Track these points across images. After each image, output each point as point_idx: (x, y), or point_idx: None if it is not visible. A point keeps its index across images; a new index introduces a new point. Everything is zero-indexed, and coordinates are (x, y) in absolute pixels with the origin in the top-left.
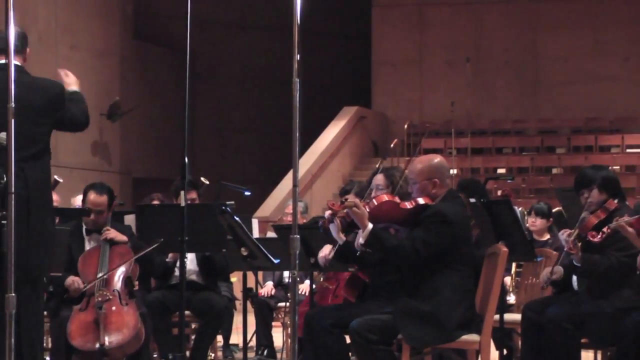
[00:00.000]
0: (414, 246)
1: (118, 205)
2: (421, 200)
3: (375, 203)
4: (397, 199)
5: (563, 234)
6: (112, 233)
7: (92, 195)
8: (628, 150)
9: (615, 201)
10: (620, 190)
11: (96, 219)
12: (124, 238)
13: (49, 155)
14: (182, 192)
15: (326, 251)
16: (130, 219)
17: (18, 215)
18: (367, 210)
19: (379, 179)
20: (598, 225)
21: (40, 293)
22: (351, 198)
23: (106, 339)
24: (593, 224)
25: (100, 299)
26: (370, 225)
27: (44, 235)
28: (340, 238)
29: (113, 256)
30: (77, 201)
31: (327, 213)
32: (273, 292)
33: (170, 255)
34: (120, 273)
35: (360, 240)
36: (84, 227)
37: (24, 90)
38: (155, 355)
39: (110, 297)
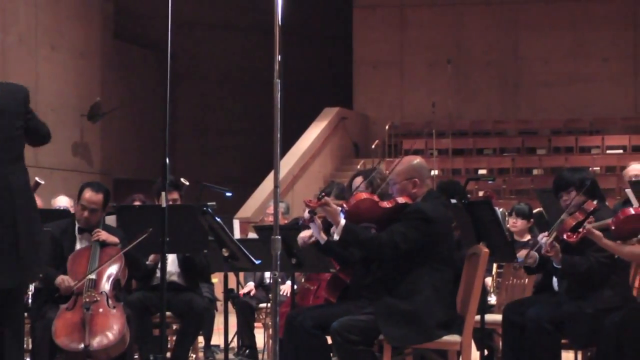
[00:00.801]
0: (392, 239)
1: (111, 207)
2: (401, 200)
3: (354, 201)
4: (376, 198)
5: (542, 238)
6: (104, 235)
7: (88, 193)
8: (608, 151)
9: (595, 202)
10: (599, 192)
11: (89, 217)
12: (115, 240)
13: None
14: (163, 193)
15: (307, 233)
16: (111, 220)
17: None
18: (346, 208)
19: (358, 181)
20: (576, 226)
21: (22, 299)
22: (331, 199)
23: (91, 340)
24: (571, 226)
25: (88, 299)
26: (342, 221)
27: (32, 244)
28: (322, 238)
29: (103, 257)
30: (58, 202)
31: (306, 213)
32: (253, 292)
33: (150, 257)
34: (109, 275)
35: (335, 236)
36: (77, 226)
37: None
38: (136, 357)
39: (98, 298)
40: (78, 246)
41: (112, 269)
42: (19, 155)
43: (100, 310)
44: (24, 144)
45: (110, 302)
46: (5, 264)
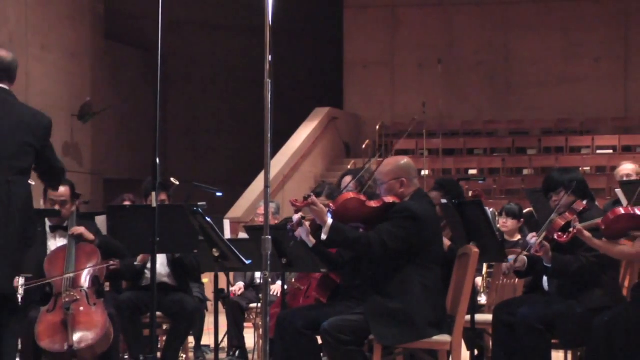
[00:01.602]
0: (380, 237)
1: (83, 203)
2: (388, 199)
3: (341, 200)
4: (363, 197)
5: (531, 238)
6: (81, 230)
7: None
8: (598, 152)
9: (584, 202)
10: (588, 192)
11: (61, 210)
12: (91, 236)
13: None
14: (153, 193)
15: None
16: (101, 220)
17: None
18: (333, 207)
19: (348, 180)
20: (565, 226)
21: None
22: (322, 200)
23: (75, 339)
24: (560, 226)
25: (67, 299)
26: (330, 221)
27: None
28: (310, 241)
29: (80, 255)
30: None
31: (296, 217)
32: (241, 290)
33: (139, 258)
34: (87, 272)
35: (323, 236)
36: (48, 225)
37: (23, 109)
38: (126, 357)
39: (78, 297)
40: (51, 244)
41: (90, 265)
42: (26, 169)
43: (81, 308)
44: (32, 162)
45: (90, 299)
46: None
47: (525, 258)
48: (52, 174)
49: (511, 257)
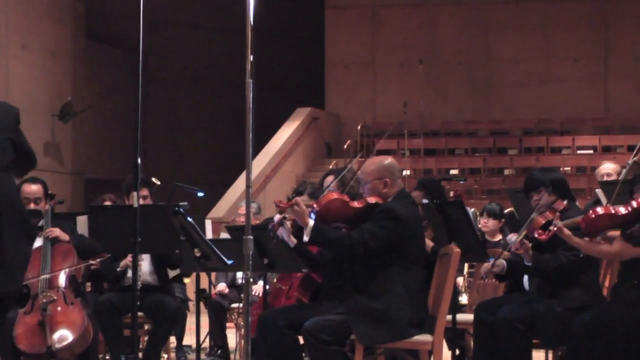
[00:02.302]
0: (362, 237)
1: (58, 203)
2: (371, 200)
3: (324, 201)
4: (346, 198)
5: (511, 237)
6: (57, 232)
7: (26, 188)
8: (579, 152)
9: (564, 202)
10: (569, 192)
11: (36, 207)
12: (65, 237)
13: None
14: (133, 192)
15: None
16: (82, 220)
17: None
18: (317, 208)
19: (330, 180)
20: (545, 225)
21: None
22: (304, 199)
23: (53, 340)
24: (541, 224)
25: (44, 300)
26: (311, 222)
27: (18, 255)
28: (291, 242)
29: (55, 255)
30: None
31: (277, 217)
32: (226, 290)
33: (122, 263)
34: (63, 271)
35: (305, 237)
36: None
37: None
38: (107, 358)
39: (55, 297)
40: None
41: (66, 265)
42: (7, 166)
43: (59, 308)
44: (12, 157)
45: (67, 298)
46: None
47: (504, 262)
48: (26, 158)
49: (492, 258)
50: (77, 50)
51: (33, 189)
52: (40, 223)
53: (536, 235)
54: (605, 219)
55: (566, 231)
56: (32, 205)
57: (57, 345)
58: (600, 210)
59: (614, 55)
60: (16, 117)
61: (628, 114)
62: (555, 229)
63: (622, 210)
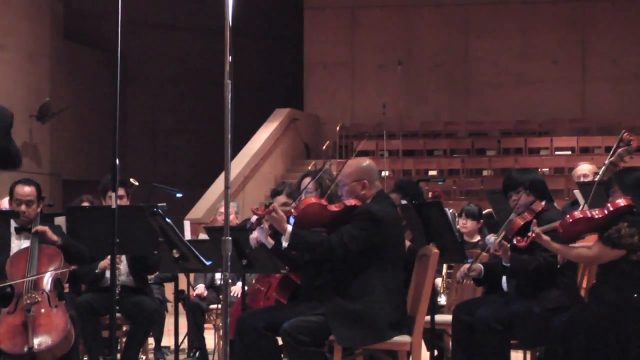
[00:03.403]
0: (341, 239)
1: (47, 206)
2: (349, 202)
3: (302, 206)
4: (324, 202)
5: (490, 238)
6: (45, 227)
7: (19, 188)
8: (557, 153)
9: (543, 203)
10: (547, 192)
11: (27, 210)
12: (54, 237)
13: None
14: (111, 192)
15: (257, 234)
16: (60, 221)
17: None
18: (295, 213)
19: (307, 182)
20: (524, 226)
21: None
22: (282, 199)
23: (35, 341)
24: (519, 225)
25: (28, 301)
26: (289, 227)
27: None
28: (269, 242)
29: (42, 257)
30: (4, 204)
31: (253, 217)
32: (205, 293)
33: (100, 265)
34: (49, 274)
35: (284, 243)
36: (13, 226)
37: None
38: (85, 358)
39: (39, 299)
40: (14, 245)
41: (52, 268)
42: None
43: (42, 310)
44: None
45: (51, 301)
46: None
47: (481, 266)
48: (11, 156)
49: (470, 259)
50: (55, 51)
51: (26, 190)
52: (30, 225)
53: (515, 242)
54: (582, 222)
55: (544, 237)
56: (23, 207)
57: (39, 348)
58: (577, 214)
59: (592, 57)
60: (11, 122)
61: (605, 115)
62: (533, 235)
63: (599, 213)
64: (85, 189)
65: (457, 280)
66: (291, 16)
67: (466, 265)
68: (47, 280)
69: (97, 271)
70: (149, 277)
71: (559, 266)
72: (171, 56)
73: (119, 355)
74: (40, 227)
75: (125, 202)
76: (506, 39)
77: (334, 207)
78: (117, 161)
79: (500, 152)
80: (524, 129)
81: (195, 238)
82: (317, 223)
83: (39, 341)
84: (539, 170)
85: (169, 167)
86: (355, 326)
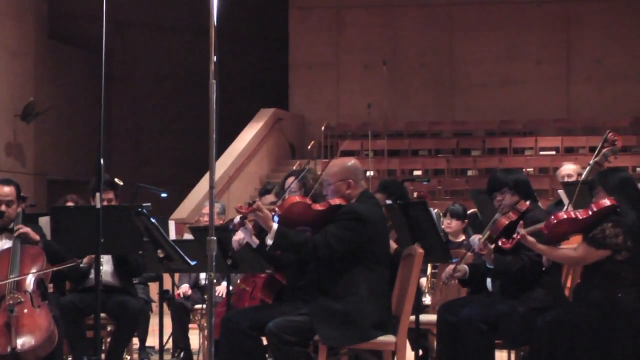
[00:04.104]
0: (326, 240)
1: (29, 206)
2: (334, 201)
3: (286, 205)
4: (308, 201)
5: (474, 238)
6: (26, 228)
7: None
8: (541, 153)
9: (527, 202)
10: (532, 192)
11: (7, 210)
12: (36, 237)
13: None
14: (97, 194)
15: (240, 235)
16: (44, 221)
17: None
18: (279, 212)
19: (291, 181)
20: (509, 225)
21: None
22: (271, 198)
23: (18, 342)
24: (504, 225)
25: (11, 301)
26: (275, 226)
27: None
28: (254, 242)
29: (24, 257)
30: None
31: (237, 218)
32: (189, 292)
33: (85, 260)
34: (32, 274)
35: (269, 241)
36: None
37: None
38: (69, 359)
39: (22, 299)
40: None
41: (35, 268)
42: None
43: (25, 310)
44: None
45: (34, 301)
46: None
47: (466, 267)
48: None
49: (455, 259)
50: (39, 51)
51: (5, 190)
52: (11, 225)
53: (500, 244)
54: (567, 223)
55: (530, 238)
56: (3, 207)
57: (22, 348)
58: (561, 215)
59: (576, 57)
60: None
61: (590, 115)
62: (518, 236)
63: (583, 214)
64: (70, 188)
65: (442, 282)
66: (276, 16)
67: (451, 266)
68: (29, 281)
69: (82, 265)
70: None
71: (544, 268)
72: (156, 56)
73: (103, 356)
74: (22, 227)
75: (114, 204)
76: (491, 39)
77: (318, 207)
78: (102, 161)
79: (485, 152)
80: (508, 129)
81: (180, 238)
82: (301, 222)
83: (22, 341)
84: (524, 170)
85: (154, 167)
86: (339, 326)
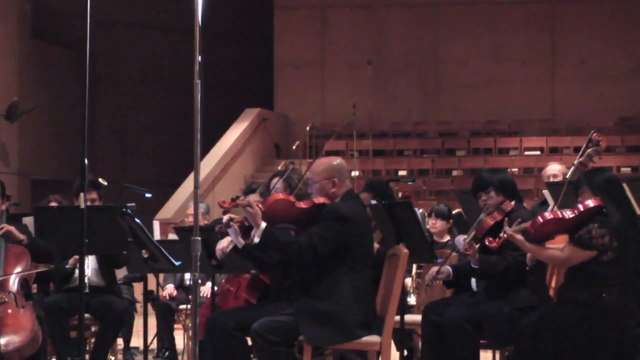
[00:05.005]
0: (311, 242)
1: (13, 205)
2: (318, 200)
3: (270, 201)
4: (292, 198)
5: (459, 239)
6: (11, 227)
7: None
8: (526, 153)
9: (512, 203)
10: (517, 193)
11: None
12: (20, 236)
13: None
14: (81, 194)
15: (224, 243)
16: (28, 221)
17: None
18: (262, 208)
19: (276, 181)
20: (494, 226)
21: None
22: (255, 197)
23: (1, 342)
24: (489, 225)
25: None
26: (263, 224)
27: None
28: (240, 242)
29: (8, 257)
30: None
31: (225, 218)
32: (175, 293)
33: (70, 261)
34: (16, 274)
35: (255, 239)
36: None
37: None
38: (53, 359)
39: (6, 299)
40: None
41: (19, 268)
42: None
43: (9, 310)
44: None
45: (18, 302)
46: None
47: (449, 269)
48: None
49: (440, 259)
50: (23, 50)
51: None
52: None
53: (487, 243)
54: (553, 223)
55: (518, 237)
56: None
57: (5, 348)
58: (547, 215)
59: (561, 57)
60: None
61: (574, 115)
62: (505, 235)
63: (569, 214)
64: (54, 188)
65: (426, 284)
66: (261, 16)
67: (435, 268)
68: (13, 281)
69: (67, 266)
70: (118, 277)
71: (527, 268)
72: (140, 56)
73: (87, 356)
74: (6, 227)
75: (98, 205)
76: (476, 39)
77: (302, 204)
78: (86, 161)
79: (470, 152)
80: (493, 129)
81: (165, 238)
82: (284, 219)
83: (6, 341)
84: (509, 170)
85: (139, 167)
86: (324, 326)
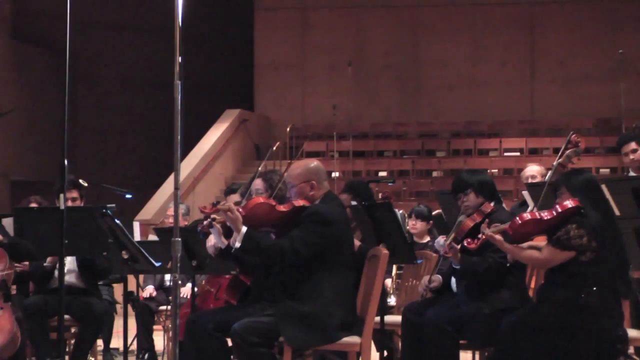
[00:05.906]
0: (292, 246)
1: None
2: (298, 203)
3: (250, 206)
4: (272, 202)
5: (440, 240)
6: None
7: None
8: (506, 154)
9: (492, 204)
10: (496, 194)
11: None
12: None
13: None
14: (61, 195)
15: (213, 241)
16: (7, 223)
17: None
18: (243, 213)
19: (258, 183)
20: (474, 227)
21: None
22: (236, 197)
23: None
24: (469, 227)
25: None
26: (244, 228)
27: None
28: (222, 242)
29: None
30: None
31: (207, 219)
32: (154, 293)
33: (48, 259)
34: None
35: (237, 244)
36: None
37: None
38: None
39: None
40: None
41: None
42: None
43: None
44: None
45: None
46: None
47: (440, 277)
48: None
49: (420, 260)
50: (2, 51)
51: None
52: None
53: (465, 244)
54: (532, 224)
55: (498, 237)
56: None
57: None
58: (526, 216)
59: (540, 59)
60: None
61: (554, 116)
62: (484, 236)
63: (548, 215)
64: (34, 189)
65: (420, 295)
66: (242, 17)
67: (426, 277)
68: None
69: (45, 264)
70: None
71: (508, 265)
72: (121, 56)
73: (67, 357)
74: None
75: (79, 204)
76: (456, 41)
77: (282, 208)
78: (67, 162)
79: (450, 153)
80: (473, 130)
81: (145, 239)
82: (265, 223)
83: None
84: (488, 171)
85: (119, 168)
86: (304, 327)
